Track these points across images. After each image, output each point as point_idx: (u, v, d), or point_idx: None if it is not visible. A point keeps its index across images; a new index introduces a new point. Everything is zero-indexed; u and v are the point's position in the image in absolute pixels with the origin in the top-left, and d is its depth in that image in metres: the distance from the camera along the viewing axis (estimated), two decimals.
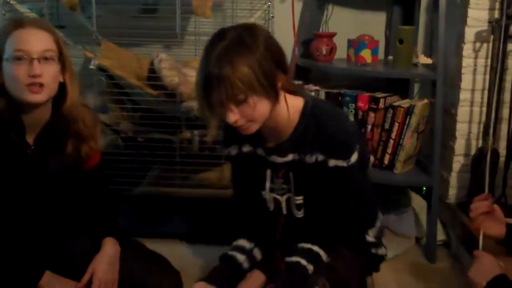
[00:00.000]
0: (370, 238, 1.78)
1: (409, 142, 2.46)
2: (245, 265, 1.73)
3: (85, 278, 1.74)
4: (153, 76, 2.53)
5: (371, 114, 2.49)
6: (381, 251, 1.82)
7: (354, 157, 1.59)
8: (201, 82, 1.48)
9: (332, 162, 1.57)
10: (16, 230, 1.74)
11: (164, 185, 2.61)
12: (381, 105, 2.48)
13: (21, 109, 1.67)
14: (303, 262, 1.62)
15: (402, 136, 2.46)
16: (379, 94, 2.51)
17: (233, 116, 1.48)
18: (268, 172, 1.69)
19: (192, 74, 2.51)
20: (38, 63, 1.63)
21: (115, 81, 2.57)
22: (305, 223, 1.70)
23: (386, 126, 2.48)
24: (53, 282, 1.69)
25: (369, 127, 2.50)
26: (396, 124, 2.46)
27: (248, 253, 1.74)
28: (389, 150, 2.49)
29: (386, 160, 2.51)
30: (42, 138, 1.72)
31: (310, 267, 1.62)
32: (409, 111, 2.44)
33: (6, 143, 1.66)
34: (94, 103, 2.43)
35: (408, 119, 2.44)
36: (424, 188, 2.70)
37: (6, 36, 1.65)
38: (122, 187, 2.52)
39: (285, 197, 1.70)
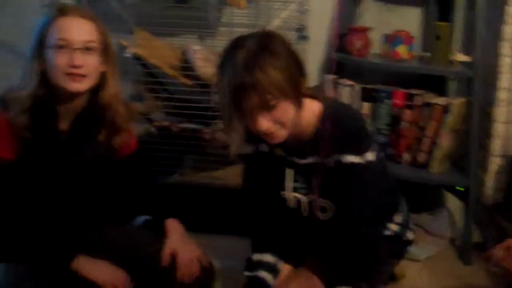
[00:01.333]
0: (394, 225, 1.76)
1: (445, 141, 2.43)
2: (272, 281, 1.71)
3: (166, 260, 1.75)
4: (186, 66, 2.52)
5: (407, 111, 2.47)
6: (409, 235, 1.80)
7: (370, 156, 1.56)
8: (230, 92, 1.44)
9: (346, 158, 1.55)
10: (48, 214, 1.76)
11: (196, 175, 2.61)
12: (417, 102, 2.45)
13: (58, 96, 1.68)
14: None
15: (438, 135, 2.43)
16: (414, 91, 2.48)
17: (266, 123, 1.47)
18: (288, 171, 1.67)
19: None
20: (80, 53, 1.64)
21: (150, 70, 2.57)
22: (330, 225, 1.66)
23: (422, 123, 2.46)
24: (86, 262, 1.68)
25: (405, 124, 2.47)
26: (432, 122, 2.43)
27: (273, 267, 1.71)
28: (425, 148, 2.47)
29: (421, 159, 2.48)
30: (76, 125, 1.74)
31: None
32: (446, 109, 2.41)
33: (42, 129, 1.67)
34: (129, 92, 2.44)
35: (444, 118, 2.41)
36: (460, 188, 2.66)
37: (49, 23, 1.66)
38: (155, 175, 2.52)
39: (306, 198, 1.68)
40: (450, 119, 2.41)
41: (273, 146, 1.64)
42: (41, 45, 1.66)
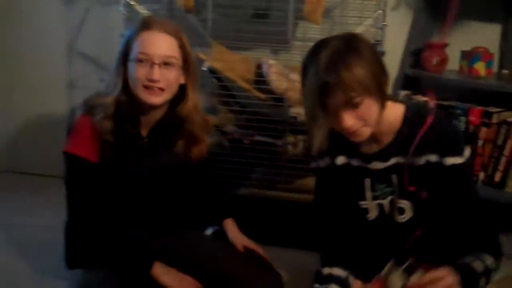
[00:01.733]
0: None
1: None
2: None
3: (239, 247, 1.92)
4: (260, 80, 2.56)
5: (483, 129, 2.42)
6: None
7: (468, 152, 1.58)
8: (316, 91, 1.46)
9: (449, 161, 1.55)
10: (124, 219, 1.83)
11: (266, 187, 2.63)
12: (494, 120, 2.39)
13: (139, 105, 1.74)
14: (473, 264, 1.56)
15: None
16: (492, 109, 2.43)
17: (350, 120, 1.48)
18: (367, 181, 1.67)
19: (299, 80, 2.53)
20: (158, 68, 1.70)
21: (224, 83, 2.62)
22: (409, 227, 1.66)
23: (499, 142, 2.40)
24: (165, 271, 1.75)
25: (481, 142, 2.42)
26: (510, 141, 2.37)
27: (344, 281, 1.69)
28: (501, 168, 2.40)
29: (497, 177, 2.42)
30: (154, 133, 1.79)
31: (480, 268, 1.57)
32: None
33: (124, 135, 1.74)
34: (204, 104, 2.49)
35: None
36: None
37: (134, 36, 1.73)
38: (225, 187, 2.56)
39: (387, 199, 1.67)
40: None
41: (350, 156, 1.66)
42: (125, 56, 1.74)
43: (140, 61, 1.70)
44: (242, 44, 2.69)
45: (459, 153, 1.56)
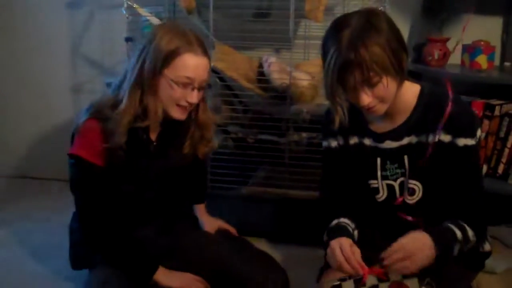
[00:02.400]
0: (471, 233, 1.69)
1: None
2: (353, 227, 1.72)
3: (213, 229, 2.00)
4: (262, 78, 2.57)
5: (486, 122, 2.43)
6: (486, 246, 1.76)
7: (479, 133, 1.60)
8: (335, 69, 1.48)
9: (461, 141, 1.58)
10: (132, 219, 1.85)
11: (270, 185, 2.65)
12: (497, 112, 2.40)
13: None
14: (452, 226, 1.58)
15: None
16: (494, 101, 2.43)
17: (367, 99, 1.52)
18: (379, 160, 1.69)
19: (301, 77, 2.55)
20: (197, 91, 1.71)
21: (227, 83, 2.64)
22: (418, 209, 1.67)
23: (501, 134, 2.41)
24: (168, 274, 1.79)
25: (483, 134, 2.43)
26: None
27: (351, 232, 1.69)
28: (504, 160, 2.41)
29: (500, 170, 2.43)
30: (163, 136, 1.80)
31: (459, 233, 1.57)
32: None
33: (135, 139, 1.75)
34: (208, 104, 2.50)
35: None
36: None
37: (175, 54, 1.68)
38: (229, 185, 2.60)
39: (398, 181, 1.68)
40: None
41: (362, 135, 1.69)
42: (157, 68, 1.68)
43: (182, 84, 1.69)
44: (244, 43, 2.70)
45: (472, 134, 1.59)
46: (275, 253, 1.99)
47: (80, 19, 3.25)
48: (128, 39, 2.56)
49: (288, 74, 2.52)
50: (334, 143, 1.74)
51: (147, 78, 1.68)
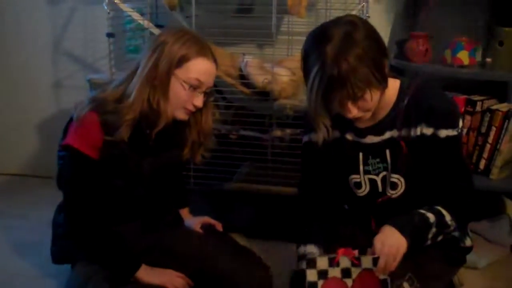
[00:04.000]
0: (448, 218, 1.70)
1: (507, 147, 2.39)
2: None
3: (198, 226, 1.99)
4: (243, 75, 2.57)
5: (467, 117, 2.44)
6: (468, 242, 1.78)
7: (460, 123, 1.62)
8: (321, 87, 1.48)
9: (443, 133, 1.59)
10: (119, 214, 1.84)
11: (253, 182, 2.64)
12: (478, 108, 2.42)
13: (160, 115, 1.75)
14: (421, 210, 1.60)
15: (499, 141, 2.39)
16: (475, 97, 2.45)
17: (353, 111, 1.54)
18: (361, 154, 1.69)
19: (283, 73, 2.54)
20: (203, 96, 1.75)
21: None
22: (401, 203, 1.68)
23: (483, 130, 2.43)
24: (149, 272, 1.78)
25: (465, 130, 2.44)
26: (493, 128, 2.40)
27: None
28: (485, 155, 2.43)
29: (481, 165, 2.45)
30: (161, 134, 1.79)
31: (431, 215, 1.58)
32: (507, 115, 2.37)
33: (138, 134, 1.75)
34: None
35: (506, 124, 2.37)
36: None
37: (188, 57, 1.72)
38: (212, 182, 2.59)
39: (380, 176, 1.69)
40: None
41: (344, 130, 1.71)
42: (171, 69, 1.71)
43: (192, 86, 1.72)
44: (227, 39, 2.70)
45: (454, 125, 1.60)
46: (258, 249, 1.99)
47: (61, 14, 3.23)
48: (109, 35, 2.54)
49: (267, 71, 2.51)
50: (315, 138, 1.73)
51: (160, 77, 1.70)
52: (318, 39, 1.51)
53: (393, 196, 1.68)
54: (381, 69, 1.51)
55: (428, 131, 1.60)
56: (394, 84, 1.64)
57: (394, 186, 1.67)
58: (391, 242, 1.50)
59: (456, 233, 1.73)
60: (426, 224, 1.57)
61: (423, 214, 1.58)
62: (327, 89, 1.48)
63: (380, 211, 1.72)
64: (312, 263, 1.56)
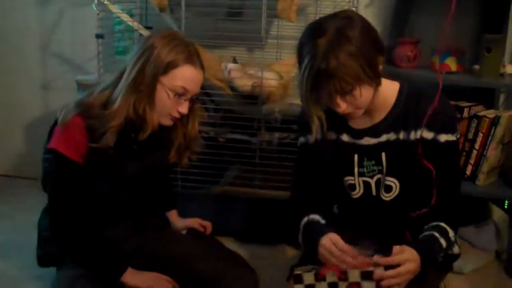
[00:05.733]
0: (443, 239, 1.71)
1: (493, 153, 2.40)
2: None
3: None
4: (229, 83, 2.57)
5: None
6: (456, 249, 1.77)
7: (459, 129, 1.63)
8: (309, 79, 1.49)
9: (443, 137, 1.60)
10: (104, 218, 1.83)
11: (241, 185, 2.64)
12: (465, 114, 2.43)
13: (145, 122, 1.73)
14: (436, 234, 1.60)
15: (486, 147, 2.40)
16: (463, 103, 2.46)
17: (342, 106, 1.53)
18: (356, 156, 1.69)
19: (272, 77, 2.55)
20: (188, 103, 1.73)
21: None
22: (393, 206, 1.68)
23: (470, 136, 2.44)
24: (135, 275, 1.77)
25: None
26: (480, 135, 2.41)
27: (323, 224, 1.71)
28: (472, 161, 2.44)
29: (468, 171, 2.46)
30: (146, 137, 1.78)
31: (443, 241, 1.60)
32: (494, 122, 2.38)
33: (123, 138, 1.73)
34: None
35: (493, 130, 2.39)
36: (506, 201, 2.62)
37: (175, 64, 1.69)
38: (200, 185, 2.59)
39: (375, 178, 1.69)
40: (499, 132, 2.38)
41: (340, 131, 1.70)
42: (156, 76, 1.69)
43: (178, 94, 1.71)
44: (216, 42, 2.69)
45: (453, 130, 1.61)
46: (245, 252, 1.99)
47: (50, 15, 3.22)
48: (98, 36, 2.53)
49: (251, 77, 2.52)
50: (311, 139, 1.74)
51: (146, 84, 1.68)
52: (313, 31, 1.51)
53: (387, 199, 1.69)
54: (373, 66, 1.50)
55: (429, 135, 1.60)
56: (392, 86, 1.65)
57: (388, 189, 1.68)
58: (411, 268, 1.50)
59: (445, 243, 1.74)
60: (440, 250, 1.60)
61: (438, 239, 1.59)
62: (315, 81, 1.49)
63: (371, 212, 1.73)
64: (299, 279, 1.55)
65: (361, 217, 1.77)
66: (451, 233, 1.62)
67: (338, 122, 1.66)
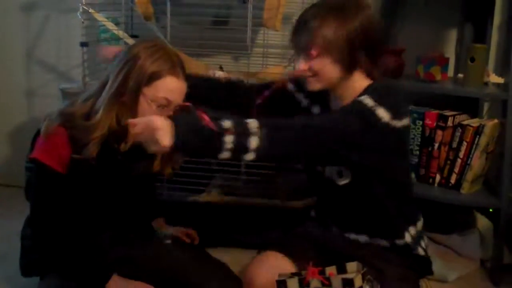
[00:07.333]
0: (408, 235, 1.74)
1: (477, 162, 2.42)
2: None
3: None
4: None
5: (439, 132, 2.47)
6: (420, 251, 1.77)
7: (406, 121, 1.59)
8: (293, 27, 1.62)
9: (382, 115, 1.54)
10: (88, 226, 1.82)
11: (226, 193, 2.64)
12: (450, 123, 2.45)
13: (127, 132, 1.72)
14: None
15: (470, 156, 2.42)
16: (447, 112, 2.48)
17: (302, 65, 1.61)
18: None
19: None
20: (170, 112, 1.70)
21: None
22: (347, 191, 1.70)
23: (454, 145, 2.45)
24: (120, 283, 1.76)
25: (436, 145, 2.47)
26: (465, 143, 2.42)
27: None
28: (456, 170, 2.46)
29: (452, 180, 2.47)
30: (130, 148, 1.78)
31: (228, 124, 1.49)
32: (478, 131, 2.40)
33: (106, 147, 1.72)
34: None
35: (477, 139, 2.41)
36: (491, 210, 2.64)
37: (159, 75, 1.68)
38: (185, 193, 2.59)
39: None
40: (483, 141, 2.40)
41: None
42: (139, 87, 1.68)
43: (161, 105, 1.69)
44: (202, 51, 2.69)
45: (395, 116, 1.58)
46: (230, 260, 1.98)
47: (35, 22, 3.21)
48: (83, 44, 2.52)
49: None
50: (304, 102, 1.81)
51: (129, 95, 1.68)
52: None
53: (340, 183, 1.70)
54: (350, 52, 1.56)
55: None
56: (364, 83, 1.64)
57: (340, 174, 1.69)
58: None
59: (410, 240, 1.74)
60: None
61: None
62: (295, 30, 1.61)
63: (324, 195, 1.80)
64: (283, 285, 1.56)
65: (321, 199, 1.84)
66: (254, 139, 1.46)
67: (323, 98, 1.74)
